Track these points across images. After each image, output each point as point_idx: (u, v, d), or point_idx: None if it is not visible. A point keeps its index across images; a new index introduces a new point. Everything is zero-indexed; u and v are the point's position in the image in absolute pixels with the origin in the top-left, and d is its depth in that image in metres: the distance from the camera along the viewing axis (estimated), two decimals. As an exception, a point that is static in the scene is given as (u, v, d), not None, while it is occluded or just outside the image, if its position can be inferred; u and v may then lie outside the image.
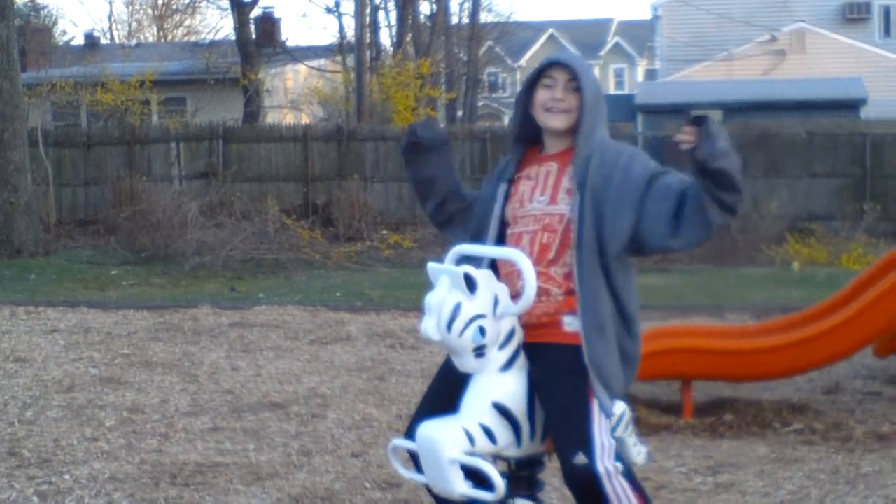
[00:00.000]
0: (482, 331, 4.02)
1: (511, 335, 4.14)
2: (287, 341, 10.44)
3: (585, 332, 4.08)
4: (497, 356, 4.11)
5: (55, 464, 6.43)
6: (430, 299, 4.06)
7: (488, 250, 4.22)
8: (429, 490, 4.28)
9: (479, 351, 4.06)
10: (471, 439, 4.03)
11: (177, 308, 12.51)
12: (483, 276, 4.08)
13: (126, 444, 6.88)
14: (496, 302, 4.08)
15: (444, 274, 4.08)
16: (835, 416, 7.41)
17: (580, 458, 4.00)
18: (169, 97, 31.32)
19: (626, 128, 24.04)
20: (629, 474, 4.07)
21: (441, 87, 38.16)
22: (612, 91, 62.01)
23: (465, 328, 4.00)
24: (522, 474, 4.29)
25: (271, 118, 30.52)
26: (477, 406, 4.10)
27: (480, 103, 50.18)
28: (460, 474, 4.02)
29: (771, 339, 7.58)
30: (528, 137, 4.38)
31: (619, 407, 4.19)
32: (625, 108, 28.40)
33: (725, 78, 32.53)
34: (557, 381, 4.11)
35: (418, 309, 12.98)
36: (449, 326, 4.01)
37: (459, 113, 41.21)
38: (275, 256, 17.96)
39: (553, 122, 4.25)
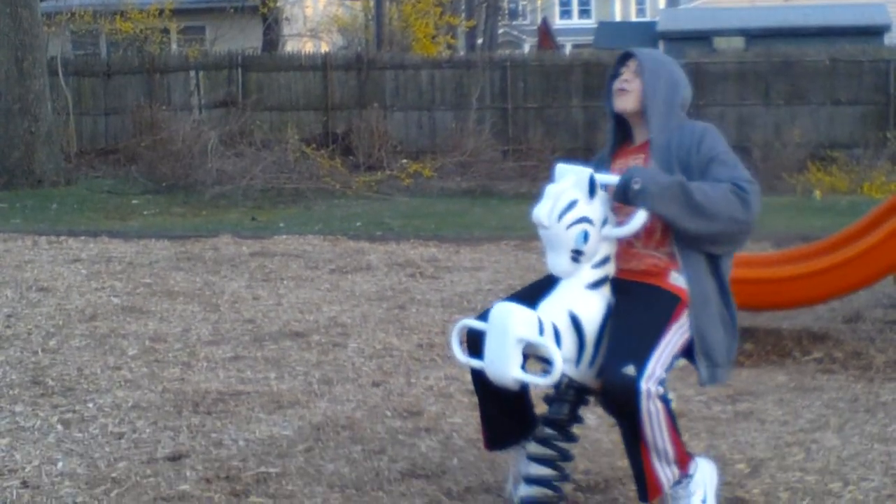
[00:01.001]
0: (586, 236, 4.20)
1: (606, 261, 4.30)
2: (307, 270, 10.47)
3: (692, 301, 4.29)
4: (588, 272, 4.26)
5: (78, 392, 6.48)
6: (551, 188, 4.23)
7: (611, 178, 4.32)
8: (476, 381, 4.42)
9: (576, 255, 4.22)
10: (541, 329, 4.12)
11: (198, 237, 12.55)
12: (602, 193, 4.26)
13: (148, 372, 6.93)
14: (605, 221, 4.25)
15: (571, 172, 4.27)
16: (855, 345, 7.41)
17: (629, 369, 4.06)
18: (188, 26, 31.18)
19: (648, 55, 23.82)
20: (667, 401, 4.15)
21: (461, 14, 37.88)
22: (633, 18, 61.51)
23: (573, 224, 4.17)
24: (569, 396, 4.36)
25: (290, 47, 30.34)
26: (555, 307, 4.22)
27: (500, 31, 49.72)
28: (520, 358, 4.13)
29: (791, 268, 7.57)
30: (621, 132, 4.62)
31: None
32: (646, 35, 28.19)
33: (748, 4, 32.19)
34: (644, 304, 4.26)
35: (438, 238, 12.99)
36: (560, 216, 4.17)
37: (479, 40, 40.90)
38: (295, 186, 17.96)
39: (619, 103, 4.51)
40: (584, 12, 63.53)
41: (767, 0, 32.62)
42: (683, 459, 4.21)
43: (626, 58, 4.57)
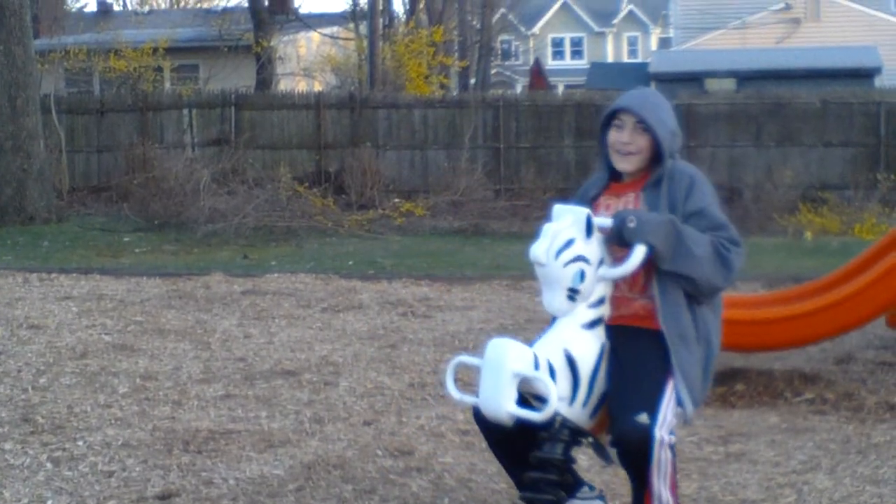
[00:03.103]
0: (582, 275, 4.24)
1: (601, 301, 4.34)
2: (299, 309, 10.46)
3: (670, 339, 4.30)
4: (583, 311, 4.30)
5: (69, 430, 6.46)
6: (549, 227, 4.27)
7: (605, 221, 4.36)
8: (477, 415, 4.37)
9: (572, 294, 4.25)
10: (536, 365, 4.16)
11: (189, 275, 12.54)
12: (599, 234, 4.31)
13: (139, 410, 6.91)
14: (601, 262, 4.30)
15: (568, 212, 4.31)
16: (846, 386, 7.41)
17: (643, 417, 4.17)
18: (181, 64, 31.23)
19: (640, 96, 23.92)
20: (674, 451, 4.27)
21: (454, 54, 38.07)
22: (625, 59, 61.78)
23: (570, 262, 4.22)
24: (564, 434, 4.34)
25: (284, 86, 30.44)
26: (551, 345, 4.26)
27: (493, 71, 49.98)
28: (515, 393, 4.15)
29: (783, 309, 7.58)
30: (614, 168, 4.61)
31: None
32: (638, 76, 28.30)
33: (739, 46, 32.37)
34: (644, 353, 4.31)
35: (430, 277, 12.99)
36: (557, 254, 4.21)
37: (472, 81, 41.08)
38: (287, 224, 17.96)
39: (621, 164, 4.53)
40: (577, 53, 63.86)
41: (759, 42, 32.83)
42: None
43: (620, 111, 4.53)
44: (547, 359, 4.20)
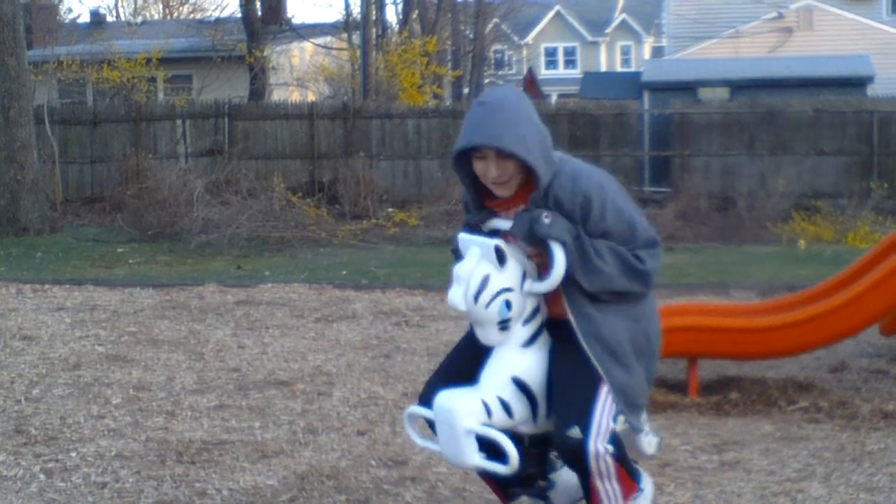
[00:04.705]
0: (508, 304, 4.05)
1: (535, 312, 4.17)
2: (293, 319, 10.45)
3: (598, 360, 4.09)
4: (520, 331, 4.14)
5: (62, 441, 6.45)
6: (460, 269, 4.08)
7: (504, 224, 4.19)
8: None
9: (504, 324, 4.09)
10: (488, 411, 4.07)
11: (183, 286, 12.52)
12: (513, 249, 4.10)
13: (132, 421, 6.89)
14: (524, 277, 4.11)
15: (475, 245, 4.10)
16: (840, 394, 7.40)
17: (575, 432, 4.03)
18: (175, 75, 31.28)
19: (633, 105, 23.99)
20: (622, 458, 4.12)
21: (447, 64, 38.10)
22: (618, 68, 61.88)
23: (491, 300, 4.03)
24: (534, 451, 4.31)
25: (277, 96, 30.48)
26: (497, 379, 4.13)
27: (486, 80, 49.98)
28: (475, 445, 4.06)
29: (777, 318, 7.57)
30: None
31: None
32: (631, 85, 28.34)
33: (732, 55, 32.40)
34: (575, 356, 4.11)
35: (424, 287, 12.95)
36: (476, 297, 4.03)
37: (465, 90, 41.12)
38: (281, 234, 17.95)
39: (501, 192, 4.15)
40: (570, 62, 63.99)
41: (751, 51, 32.86)
42: (629, 491, 4.21)
43: (475, 146, 4.06)
44: (497, 396, 4.08)
